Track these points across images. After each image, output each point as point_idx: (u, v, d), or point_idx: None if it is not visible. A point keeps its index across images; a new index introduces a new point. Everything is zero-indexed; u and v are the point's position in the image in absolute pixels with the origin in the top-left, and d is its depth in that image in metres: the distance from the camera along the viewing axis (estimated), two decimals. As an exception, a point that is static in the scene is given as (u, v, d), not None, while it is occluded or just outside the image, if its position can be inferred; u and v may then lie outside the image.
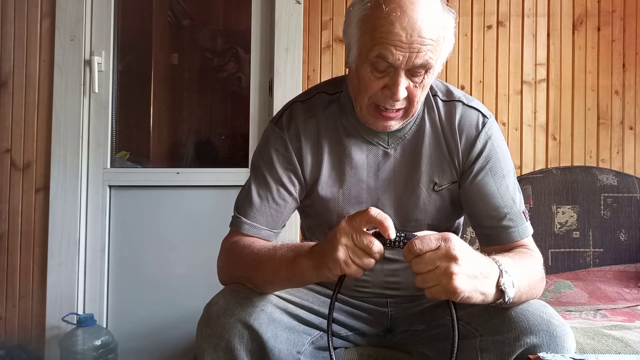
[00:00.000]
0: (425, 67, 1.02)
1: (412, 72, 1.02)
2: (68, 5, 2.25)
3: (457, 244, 0.86)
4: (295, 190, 1.17)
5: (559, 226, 2.15)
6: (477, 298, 0.88)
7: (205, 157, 2.77)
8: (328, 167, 1.17)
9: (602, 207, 2.15)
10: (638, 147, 2.38)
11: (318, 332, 1.13)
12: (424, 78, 1.04)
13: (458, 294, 0.85)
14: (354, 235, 0.88)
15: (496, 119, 1.21)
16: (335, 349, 1.01)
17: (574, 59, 2.38)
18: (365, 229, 0.89)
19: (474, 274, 0.86)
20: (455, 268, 0.84)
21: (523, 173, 2.30)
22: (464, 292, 0.85)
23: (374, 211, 0.88)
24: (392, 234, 0.88)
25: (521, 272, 0.97)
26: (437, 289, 0.85)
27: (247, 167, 2.29)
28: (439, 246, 0.85)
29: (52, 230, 2.23)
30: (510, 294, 0.92)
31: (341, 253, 0.88)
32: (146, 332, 2.31)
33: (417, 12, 0.98)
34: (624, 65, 2.39)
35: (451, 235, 0.87)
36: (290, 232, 2.16)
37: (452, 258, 0.84)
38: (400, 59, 0.99)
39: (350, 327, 1.24)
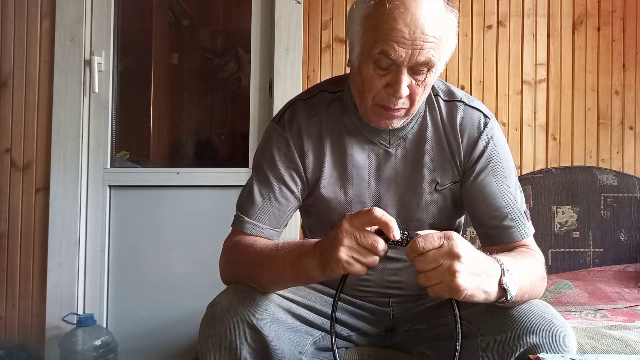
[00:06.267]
0: (428, 65, 1.02)
1: (414, 70, 1.02)
2: (68, 5, 2.25)
3: (460, 242, 0.86)
4: (297, 189, 1.17)
5: (559, 226, 2.15)
6: (480, 296, 0.88)
7: (205, 157, 2.77)
8: (330, 166, 1.17)
9: (602, 207, 2.15)
10: (638, 147, 2.38)
11: (320, 332, 1.13)
12: (426, 77, 1.04)
13: (461, 291, 0.85)
14: (357, 234, 0.88)
15: (496, 119, 1.21)
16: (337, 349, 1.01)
17: (574, 59, 2.38)
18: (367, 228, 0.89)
19: (476, 272, 0.87)
20: (458, 266, 0.84)
21: (523, 173, 2.31)
22: (467, 290, 0.85)
23: (379, 212, 0.88)
24: (397, 235, 0.88)
25: (522, 271, 0.97)
26: (441, 287, 0.85)
27: (247, 167, 2.30)
28: (442, 244, 0.85)
29: (52, 230, 2.23)
30: (513, 292, 0.92)
31: (343, 253, 0.88)
32: (146, 332, 2.31)
33: (420, 10, 0.98)
34: (624, 65, 2.39)
35: (454, 234, 0.87)
36: (291, 231, 2.15)
37: (455, 256, 0.84)
38: (403, 55, 0.99)
39: (352, 327, 1.24)
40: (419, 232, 0.89)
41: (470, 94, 1.58)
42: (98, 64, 2.28)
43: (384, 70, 1.03)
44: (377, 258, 0.89)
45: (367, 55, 1.03)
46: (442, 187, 1.17)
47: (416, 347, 1.19)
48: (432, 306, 1.21)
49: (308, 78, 2.33)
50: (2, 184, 2.26)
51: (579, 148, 2.37)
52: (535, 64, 2.38)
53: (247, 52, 2.43)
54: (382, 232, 0.89)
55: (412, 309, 1.24)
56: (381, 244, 0.88)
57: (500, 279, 0.91)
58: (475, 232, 1.24)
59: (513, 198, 1.14)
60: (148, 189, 2.36)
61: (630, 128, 2.38)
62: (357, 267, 0.89)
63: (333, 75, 2.28)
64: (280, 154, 1.16)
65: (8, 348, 2.16)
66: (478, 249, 0.92)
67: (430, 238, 0.86)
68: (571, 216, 2.15)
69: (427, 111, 1.18)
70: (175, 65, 2.89)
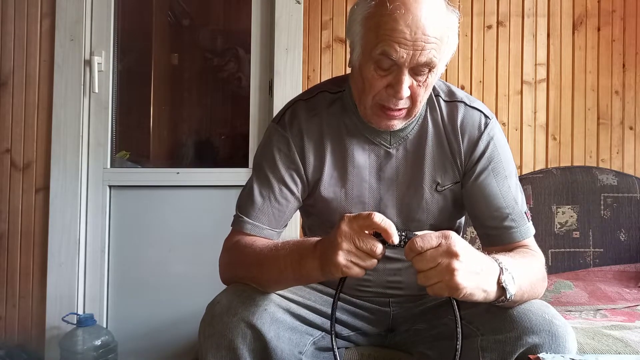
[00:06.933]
0: (429, 66, 1.02)
1: (415, 71, 1.02)
2: (68, 5, 2.25)
3: (458, 241, 0.86)
4: (297, 189, 1.17)
5: (559, 226, 2.15)
6: (479, 295, 0.88)
7: (205, 157, 2.77)
8: (330, 167, 1.17)
9: (602, 207, 2.15)
10: (638, 147, 2.38)
11: (320, 332, 1.13)
12: (427, 77, 1.04)
13: (460, 290, 0.85)
14: (355, 238, 0.88)
15: (496, 119, 1.21)
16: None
17: (574, 59, 2.38)
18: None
19: (475, 271, 0.87)
20: (456, 264, 0.84)
21: (523, 173, 2.31)
22: (466, 289, 0.85)
23: (378, 217, 0.88)
24: (396, 240, 0.88)
25: (522, 271, 0.97)
26: (440, 286, 0.86)
27: (247, 167, 2.30)
28: (440, 243, 0.86)
29: (52, 230, 2.23)
30: (512, 290, 0.92)
31: (341, 257, 0.88)
32: (146, 332, 2.31)
33: (421, 10, 0.98)
34: (624, 65, 2.39)
35: (451, 233, 0.87)
36: (291, 232, 2.15)
37: (453, 254, 0.85)
38: (404, 56, 0.99)
39: (352, 327, 1.24)
40: (416, 232, 0.89)
41: (470, 94, 1.58)
42: (98, 64, 2.28)
43: (385, 70, 1.03)
44: (375, 261, 0.90)
45: (368, 55, 1.03)
46: (443, 188, 1.17)
47: (416, 347, 1.19)
48: (432, 306, 1.21)
49: (308, 78, 2.33)
50: (2, 184, 2.26)
51: (579, 148, 2.37)
52: (535, 64, 2.38)
53: (247, 52, 2.43)
54: (380, 234, 0.89)
55: (412, 309, 1.24)
56: (379, 248, 0.88)
57: (499, 277, 0.91)
58: (475, 233, 1.24)
59: (514, 198, 1.14)
60: (148, 189, 2.36)
61: (630, 128, 2.38)
62: (356, 270, 0.89)
63: (333, 76, 2.29)
64: (281, 154, 1.16)
65: (8, 348, 2.16)
66: (478, 249, 0.92)
67: (428, 237, 0.86)
68: (571, 216, 2.15)
69: (428, 111, 1.18)
70: (175, 65, 2.89)
